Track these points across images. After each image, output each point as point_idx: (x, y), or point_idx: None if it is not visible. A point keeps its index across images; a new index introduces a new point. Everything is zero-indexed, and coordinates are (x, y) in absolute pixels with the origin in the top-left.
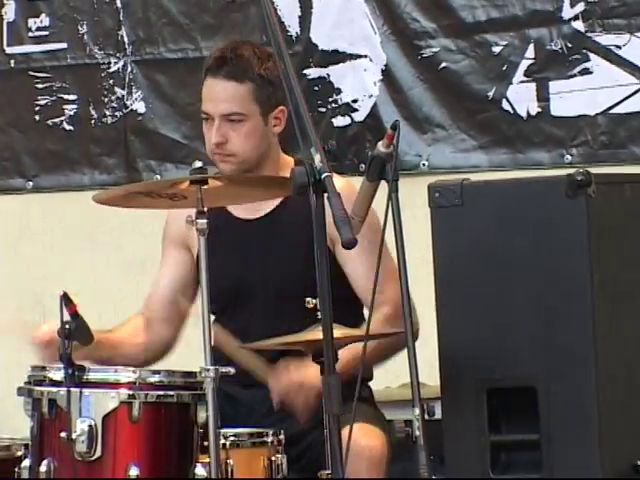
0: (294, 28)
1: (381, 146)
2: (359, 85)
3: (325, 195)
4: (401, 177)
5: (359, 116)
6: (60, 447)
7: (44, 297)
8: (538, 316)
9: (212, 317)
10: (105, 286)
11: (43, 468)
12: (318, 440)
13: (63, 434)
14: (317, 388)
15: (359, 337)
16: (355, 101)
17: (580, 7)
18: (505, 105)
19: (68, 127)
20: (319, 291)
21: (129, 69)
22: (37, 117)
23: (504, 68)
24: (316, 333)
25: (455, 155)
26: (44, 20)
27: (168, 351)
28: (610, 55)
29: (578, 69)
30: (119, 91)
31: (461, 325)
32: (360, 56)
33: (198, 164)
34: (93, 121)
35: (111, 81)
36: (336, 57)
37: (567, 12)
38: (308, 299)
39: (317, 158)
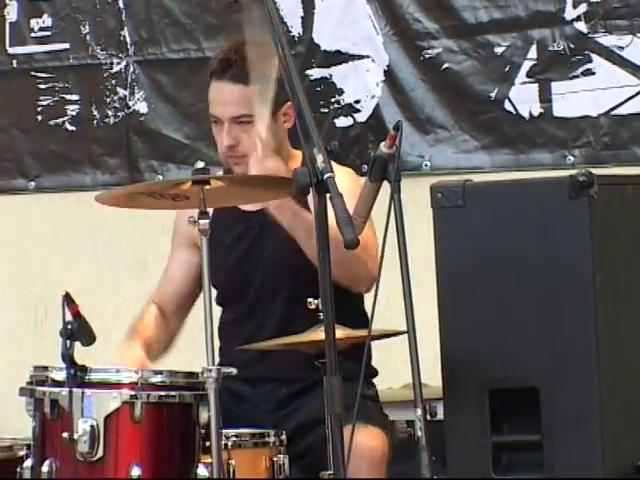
0: (296, 29)
1: (383, 147)
2: (361, 86)
3: (328, 195)
4: (403, 178)
5: (361, 117)
6: (62, 447)
7: (46, 297)
8: (540, 317)
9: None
10: (107, 286)
11: (45, 468)
12: (320, 436)
13: (65, 434)
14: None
15: (361, 337)
16: (357, 102)
17: (582, 8)
18: (507, 106)
19: (70, 127)
20: (321, 292)
21: (131, 69)
22: (39, 117)
23: (506, 69)
24: (317, 334)
25: (457, 156)
26: (46, 20)
27: (173, 342)
28: (612, 56)
29: (580, 70)
30: (121, 91)
31: (463, 326)
32: (362, 57)
33: (200, 164)
34: (95, 121)
35: (113, 81)
36: (338, 58)
37: (569, 13)
38: (310, 300)
39: (319, 158)
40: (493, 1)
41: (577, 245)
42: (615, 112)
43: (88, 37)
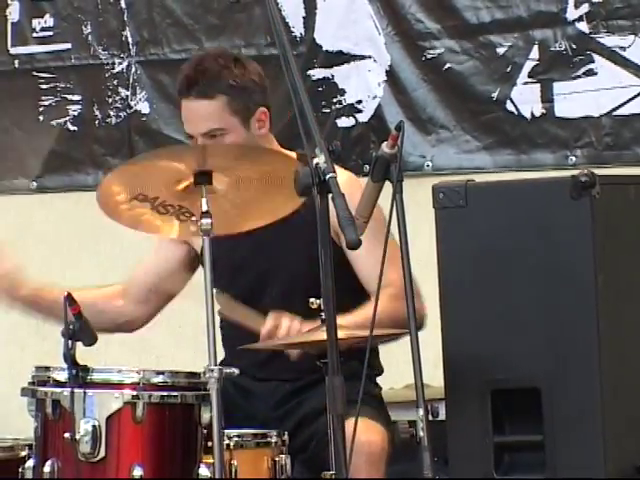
0: (298, 29)
1: (385, 147)
2: (363, 86)
3: (330, 196)
4: (405, 178)
5: (363, 117)
6: (64, 447)
7: None
8: (542, 317)
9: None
10: None
11: (47, 468)
12: (322, 427)
13: (67, 434)
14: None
15: (363, 338)
16: (359, 102)
17: (584, 8)
18: (509, 106)
19: (72, 127)
20: (323, 292)
21: (133, 69)
22: (41, 117)
23: (508, 69)
24: (320, 334)
25: (459, 156)
26: (48, 20)
27: (133, 330)
28: (614, 56)
29: (582, 70)
30: (123, 91)
31: (465, 326)
32: (364, 57)
33: None
34: (97, 121)
35: (115, 81)
36: (340, 58)
37: (571, 13)
38: (312, 300)
39: (322, 159)
40: (495, 1)
41: (579, 245)
42: (617, 112)
43: (90, 37)
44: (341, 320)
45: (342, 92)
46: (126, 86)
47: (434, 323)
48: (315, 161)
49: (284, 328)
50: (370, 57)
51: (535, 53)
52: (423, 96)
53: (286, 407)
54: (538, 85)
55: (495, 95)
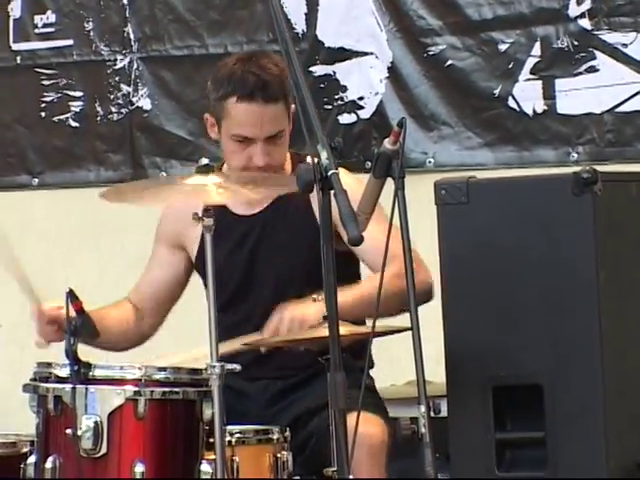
0: (300, 25)
1: (387, 143)
2: (365, 82)
3: (332, 192)
4: (407, 174)
5: (365, 113)
6: (66, 444)
7: (49, 293)
8: (544, 313)
9: None
10: (109, 283)
11: (48, 465)
12: (318, 427)
13: (69, 431)
14: (312, 321)
15: (365, 334)
16: (361, 98)
17: (586, 5)
18: (511, 103)
19: (74, 124)
20: (325, 287)
21: (135, 66)
22: (43, 114)
23: (510, 66)
24: (321, 330)
25: (461, 153)
26: (50, 17)
27: (144, 342)
28: (616, 53)
29: (584, 67)
30: (125, 88)
31: (467, 322)
32: (366, 53)
33: (204, 161)
34: (99, 118)
35: (117, 78)
36: (342, 54)
37: (573, 10)
38: (314, 295)
39: (324, 155)
40: None
41: (581, 242)
42: (619, 109)
43: (92, 33)
44: (343, 296)
45: (344, 89)
46: (128, 82)
47: (436, 319)
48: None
49: (287, 321)
50: (372, 54)
51: (537, 50)
52: (425, 93)
53: (278, 405)
54: (540, 82)
55: (497, 92)
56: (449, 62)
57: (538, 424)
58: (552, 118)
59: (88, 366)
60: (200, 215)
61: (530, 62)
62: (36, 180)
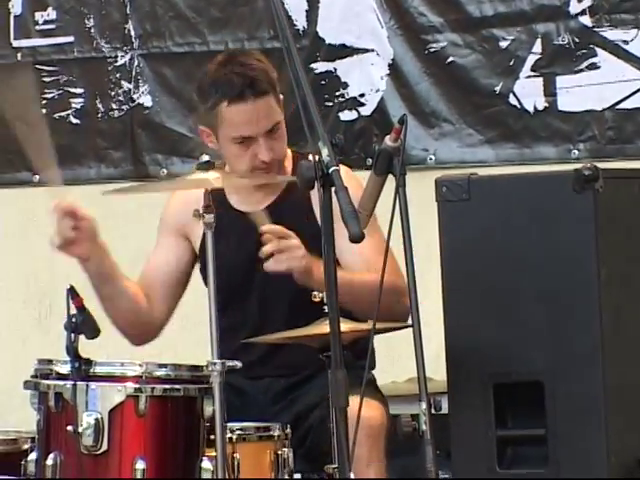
0: (301, 22)
1: (388, 140)
2: (366, 79)
3: (333, 189)
4: (408, 171)
5: (366, 110)
6: (66, 440)
7: (50, 290)
8: (545, 310)
9: None
10: None
11: (49, 461)
12: (320, 421)
13: (69, 427)
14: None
15: (366, 331)
16: (362, 95)
17: (587, 2)
18: (512, 100)
19: (75, 121)
20: (326, 284)
21: (136, 63)
22: (44, 110)
23: (511, 63)
24: (323, 327)
25: (462, 150)
26: (51, 13)
27: (158, 332)
28: (617, 50)
29: (585, 64)
30: (126, 85)
31: (468, 320)
32: (367, 50)
33: (205, 158)
34: (100, 114)
35: (118, 75)
36: (343, 51)
37: (574, 7)
38: (315, 292)
39: (325, 152)
40: None
41: (582, 239)
42: (620, 106)
43: (93, 30)
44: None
45: (345, 85)
46: (129, 79)
47: (437, 317)
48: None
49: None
50: (373, 50)
51: (538, 47)
52: (426, 90)
53: (281, 403)
54: (541, 79)
55: (498, 89)
56: (450, 59)
57: (539, 421)
58: (553, 115)
59: (89, 363)
60: (201, 212)
61: (531, 59)
62: (37, 177)
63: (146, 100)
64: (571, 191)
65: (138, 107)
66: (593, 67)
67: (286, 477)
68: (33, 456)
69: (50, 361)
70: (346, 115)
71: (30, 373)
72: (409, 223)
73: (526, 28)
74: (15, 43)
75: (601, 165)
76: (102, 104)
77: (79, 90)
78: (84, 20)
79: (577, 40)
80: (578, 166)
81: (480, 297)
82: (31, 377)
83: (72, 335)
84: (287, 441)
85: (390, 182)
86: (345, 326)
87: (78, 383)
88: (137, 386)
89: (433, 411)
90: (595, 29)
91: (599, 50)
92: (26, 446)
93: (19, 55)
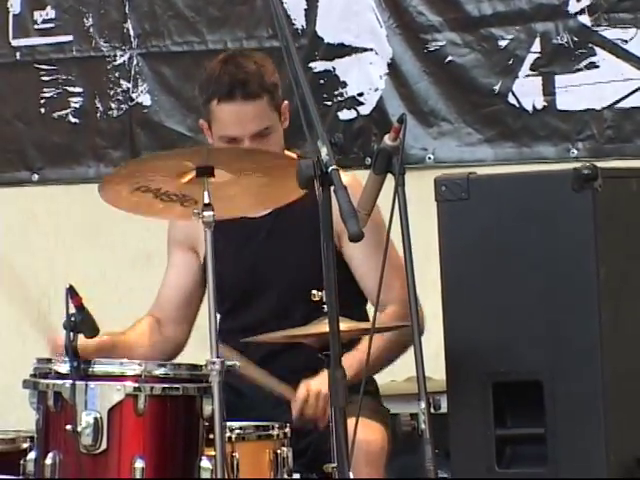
0: (300, 21)
1: (388, 139)
2: (365, 78)
3: (332, 188)
4: (407, 171)
5: (365, 109)
6: (65, 440)
7: (49, 289)
8: (544, 310)
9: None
10: (110, 279)
11: (48, 461)
12: (322, 432)
13: (68, 427)
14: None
15: (365, 330)
16: (361, 94)
17: (586, 1)
18: (511, 99)
19: (74, 120)
20: (325, 284)
21: (135, 62)
22: (43, 110)
23: (510, 62)
24: (322, 326)
25: (461, 149)
26: (50, 12)
27: (179, 352)
28: (616, 49)
29: (584, 63)
30: (125, 84)
31: (467, 319)
32: (366, 49)
33: None
34: (99, 114)
35: (117, 74)
36: (342, 50)
37: (573, 6)
38: (314, 292)
39: (324, 151)
40: None
41: (581, 238)
42: (619, 105)
43: (91, 29)
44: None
45: (344, 85)
46: (127, 78)
47: (436, 316)
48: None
49: (314, 396)
50: (372, 50)
51: (537, 46)
52: (425, 89)
53: (283, 406)
54: (540, 78)
55: (497, 88)
56: (449, 58)
57: (538, 420)
58: (552, 114)
59: (88, 362)
60: (200, 211)
61: (530, 58)
62: (36, 176)
63: (145, 99)
64: (570, 190)
65: (137, 106)
66: (592, 66)
67: (285, 477)
68: (32, 455)
69: (49, 360)
70: (345, 114)
71: (29, 372)
72: (408, 222)
73: (525, 27)
74: (14, 42)
75: (600, 164)
76: (101, 103)
77: (78, 89)
78: (83, 19)
79: (576, 39)
80: (577, 165)
81: (479, 296)
82: (30, 376)
83: (71, 334)
84: (286, 440)
85: (389, 181)
86: (344, 325)
87: (77, 382)
88: (136, 385)
89: (432, 410)
90: (594, 28)
91: (598, 49)
92: (25, 445)
93: (18, 54)
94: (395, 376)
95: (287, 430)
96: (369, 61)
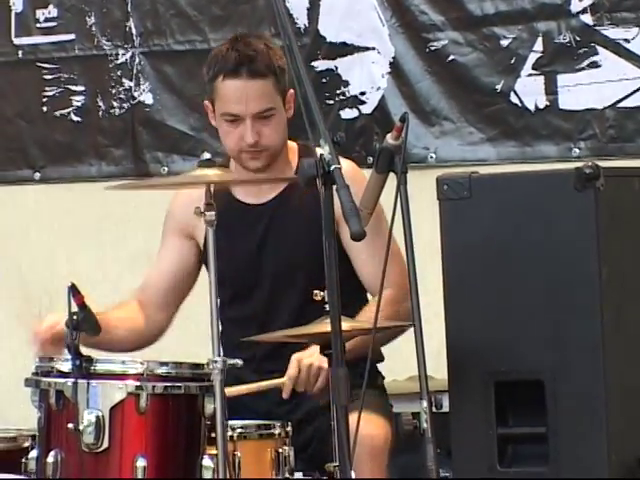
0: (302, 20)
1: (390, 138)
2: (367, 77)
3: (334, 187)
4: (409, 170)
5: (367, 108)
6: (67, 438)
7: (51, 288)
8: (546, 309)
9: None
10: (111, 277)
11: (50, 459)
12: (324, 427)
13: (70, 425)
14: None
15: (366, 329)
16: (363, 93)
17: (588, 0)
18: (513, 98)
19: (76, 118)
20: (327, 283)
21: (137, 60)
22: (45, 108)
23: (512, 61)
24: (324, 325)
25: (463, 148)
26: (52, 11)
27: (159, 337)
28: (618, 49)
29: (586, 62)
30: (127, 82)
31: (469, 318)
32: (368, 48)
33: (206, 156)
34: (101, 112)
35: (119, 72)
36: (344, 49)
37: (575, 5)
38: (316, 291)
39: (326, 149)
40: None
41: (583, 237)
42: (621, 105)
43: (94, 28)
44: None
45: (346, 84)
46: (130, 77)
47: (437, 315)
48: (319, 152)
49: (305, 370)
50: (374, 49)
51: (539, 45)
52: (427, 88)
53: (290, 403)
54: (542, 77)
55: (499, 87)
56: (451, 57)
57: (540, 420)
58: (554, 113)
59: (90, 360)
60: (202, 210)
61: (532, 57)
62: (38, 174)
63: (147, 98)
64: (572, 189)
65: (139, 105)
66: (594, 65)
67: (287, 476)
68: (34, 454)
69: (51, 358)
70: (347, 113)
71: (31, 370)
72: (410, 221)
73: (527, 26)
74: (16, 41)
75: (602, 163)
76: (103, 102)
77: (80, 88)
78: (85, 18)
79: (578, 38)
80: (579, 164)
81: (481, 295)
82: (32, 374)
83: (73, 333)
84: (288, 439)
85: (391, 180)
86: (346, 325)
87: (79, 381)
88: (138, 384)
89: (434, 409)
90: (596, 27)
91: (600, 49)
92: (27, 444)
93: (20, 53)
94: (397, 375)
95: (289, 429)
96: (371, 60)
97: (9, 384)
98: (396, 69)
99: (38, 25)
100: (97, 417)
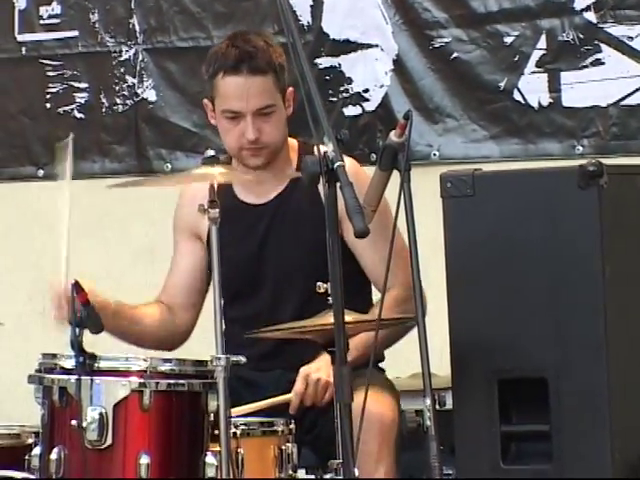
0: (305, 17)
1: (393, 135)
2: (370, 75)
3: (337, 184)
4: (412, 167)
5: (370, 106)
6: (71, 435)
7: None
8: (549, 307)
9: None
10: (115, 274)
11: (53, 456)
12: (329, 419)
13: (74, 422)
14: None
15: (370, 322)
16: (366, 91)
17: None
18: (516, 95)
19: (79, 115)
20: (330, 277)
21: (140, 57)
22: (48, 105)
23: (516, 59)
24: (327, 318)
25: (466, 145)
26: (55, 8)
27: (186, 338)
28: (622, 46)
29: (590, 60)
30: (130, 79)
31: (472, 316)
32: (371, 46)
33: (210, 153)
34: (104, 109)
35: (122, 69)
36: (347, 47)
37: (579, 3)
38: (319, 284)
39: (330, 147)
40: None
41: (587, 235)
42: (624, 102)
43: (97, 25)
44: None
45: (349, 81)
46: (133, 74)
47: (441, 312)
48: (323, 149)
49: (313, 386)
50: (377, 46)
51: (543, 42)
52: (430, 85)
53: None
54: (545, 75)
55: (502, 84)
56: (454, 55)
57: (543, 417)
58: (557, 111)
59: (93, 357)
60: (205, 207)
61: (536, 55)
62: (41, 171)
63: (150, 95)
64: (575, 187)
65: (142, 102)
66: (598, 63)
67: (290, 473)
68: (37, 450)
69: (54, 355)
70: (350, 110)
71: (34, 367)
72: (414, 218)
73: (531, 24)
74: (19, 37)
75: (605, 161)
76: (106, 99)
77: (83, 85)
78: (88, 15)
79: (582, 36)
80: (582, 162)
81: (484, 293)
82: (35, 371)
83: (77, 330)
84: (291, 436)
85: (395, 177)
86: (349, 317)
87: (82, 378)
88: (141, 381)
89: (437, 407)
90: (600, 25)
91: (604, 46)
92: (30, 440)
93: (23, 49)
94: (400, 373)
95: (292, 426)
96: (375, 57)
97: (13, 381)
98: (399, 66)
99: (41, 22)
100: (100, 414)
